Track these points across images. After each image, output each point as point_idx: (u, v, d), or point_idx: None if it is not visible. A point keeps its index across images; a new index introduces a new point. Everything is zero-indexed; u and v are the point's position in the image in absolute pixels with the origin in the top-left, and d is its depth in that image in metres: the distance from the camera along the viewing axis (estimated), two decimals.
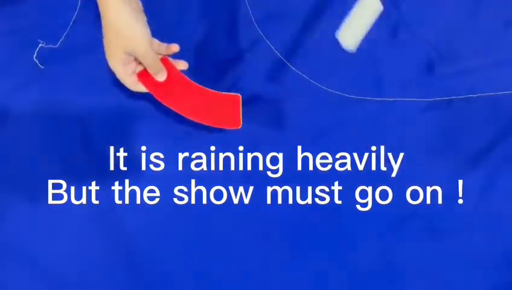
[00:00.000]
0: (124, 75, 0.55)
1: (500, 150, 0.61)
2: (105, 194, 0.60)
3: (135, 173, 0.61)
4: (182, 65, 0.59)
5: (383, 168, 0.61)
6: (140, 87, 0.57)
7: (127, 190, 0.60)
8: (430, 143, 0.61)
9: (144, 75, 0.56)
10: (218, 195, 0.61)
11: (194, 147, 0.61)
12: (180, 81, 0.59)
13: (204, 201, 0.60)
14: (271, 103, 0.63)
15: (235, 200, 0.60)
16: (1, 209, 0.60)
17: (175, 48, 0.58)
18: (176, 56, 0.58)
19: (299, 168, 0.61)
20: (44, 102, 0.62)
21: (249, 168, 0.61)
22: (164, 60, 0.57)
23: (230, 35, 0.64)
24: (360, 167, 0.61)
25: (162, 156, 0.61)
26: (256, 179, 0.61)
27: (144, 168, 0.61)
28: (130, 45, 0.52)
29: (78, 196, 0.60)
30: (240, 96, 0.60)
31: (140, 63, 0.55)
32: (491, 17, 0.64)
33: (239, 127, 0.60)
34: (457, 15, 0.64)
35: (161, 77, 0.57)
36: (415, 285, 0.59)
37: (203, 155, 0.61)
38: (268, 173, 0.61)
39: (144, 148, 0.61)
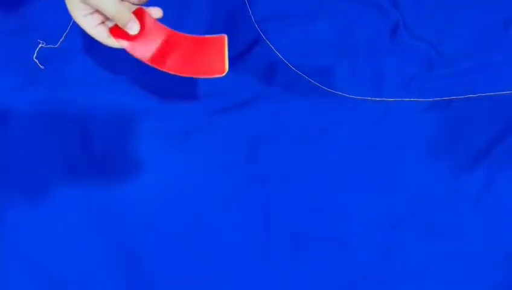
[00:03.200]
0: (87, 26, 0.48)
1: (500, 150, 0.61)
2: (105, 194, 0.60)
3: (135, 173, 0.61)
4: (156, 12, 0.53)
5: (383, 168, 0.61)
6: (112, 41, 0.51)
7: (127, 189, 0.60)
8: (430, 143, 0.61)
9: (117, 30, 0.50)
10: (218, 194, 0.61)
11: (194, 147, 0.61)
12: (157, 32, 0.52)
13: (205, 201, 0.60)
14: (271, 103, 0.63)
15: (235, 200, 0.60)
16: (1, 209, 0.60)
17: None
18: None
19: (299, 168, 0.61)
20: (44, 102, 0.62)
21: (249, 167, 0.61)
22: (138, 11, 0.51)
23: (230, 35, 0.64)
24: (360, 167, 0.61)
25: (162, 155, 0.61)
26: (256, 178, 0.61)
27: (144, 168, 0.61)
28: None
29: (78, 196, 0.60)
30: (225, 36, 0.54)
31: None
32: (491, 17, 0.64)
33: (224, 74, 0.53)
34: (457, 15, 0.64)
35: (133, 29, 0.50)
36: (415, 285, 0.59)
37: (203, 155, 0.61)
38: (269, 173, 0.61)
39: (144, 148, 0.61)
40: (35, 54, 0.62)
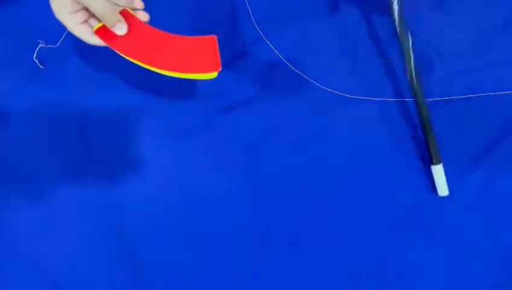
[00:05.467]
0: (71, 24, 0.48)
1: (500, 150, 0.61)
2: (105, 194, 0.60)
3: (135, 173, 0.61)
4: (143, 16, 0.53)
5: (383, 168, 0.61)
6: (96, 40, 0.50)
7: (128, 189, 0.60)
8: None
9: (103, 31, 0.50)
10: (219, 194, 0.60)
11: (194, 147, 0.61)
12: (145, 32, 0.51)
13: (204, 200, 0.60)
14: (271, 103, 0.63)
15: (235, 199, 0.60)
16: (1, 209, 0.60)
17: (138, 2, 0.52)
18: None
19: (299, 168, 0.61)
20: (44, 102, 0.62)
21: (249, 167, 0.61)
22: (125, 13, 0.51)
23: (230, 35, 0.64)
24: (361, 167, 0.61)
25: (162, 155, 0.61)
26: (257, 178, 0.61)
27: (144, 168, 0.61)
28: None
29: (79, 196, 0.60)
30: (216, 37, 0.53)
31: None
32: (491, 17, 0.64)
33: (219, 70, 0.53)
34: (457, 15, 0.64)
35: (121, 29, 0.49)
36: (415, 285, 0.59)
37: (203, 155, 0.61)
38: (269, 172, 0.61)
39: (144, 148, 0.61)
40: (35, 54, 0.62)
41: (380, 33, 0.64)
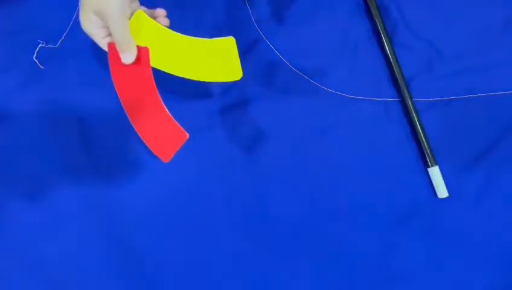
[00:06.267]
0: (97, 37, 0.52)
1: (500, 150, 0.61)
2: (105, 194, 0.60)
3: (135, 173, 0.61)
4: (163, 21, 0.54)
5: (384, 168, 0.61)
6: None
7: (128, 189, 0.60)
8: (430, 143, 0.61)
9: (113, 49, 0.51)
10: (218, 194, 0.61)
11: (194, 147, 0.61)
12: (150, 93, 0.53)
13: (205, 200, 0.60)
14: (271, 103, 0.63)
15: (235, 200, 0.60)
16: (1, 209, 0.60)
17: (160, 11, 0.54)
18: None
19: (300, 168, 0.61)
20: (44, 102, 0.62)
21: (250, 168, 0.61)
22: (142, 49, 0.52)
23: (230, 35, 0.64)
24: (361, 167, 0.61)
25: None
26: (257, 178, 0.61)
27: (144, 168, 0.61)
28: (99, 4, 0.48)
29: (78, 196, 0.60)
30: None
31: None
32: (491, 17, 0.64)
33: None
34: (457, 15, 0.64)
35: (127, 58, 0.51)
36: (415, 285, 0.59)
37: (204, 155, 0.61)
38: (269, 172, 0.61)
39: (144, 148, 0.61)
40: (35, 54, 0.62)
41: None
